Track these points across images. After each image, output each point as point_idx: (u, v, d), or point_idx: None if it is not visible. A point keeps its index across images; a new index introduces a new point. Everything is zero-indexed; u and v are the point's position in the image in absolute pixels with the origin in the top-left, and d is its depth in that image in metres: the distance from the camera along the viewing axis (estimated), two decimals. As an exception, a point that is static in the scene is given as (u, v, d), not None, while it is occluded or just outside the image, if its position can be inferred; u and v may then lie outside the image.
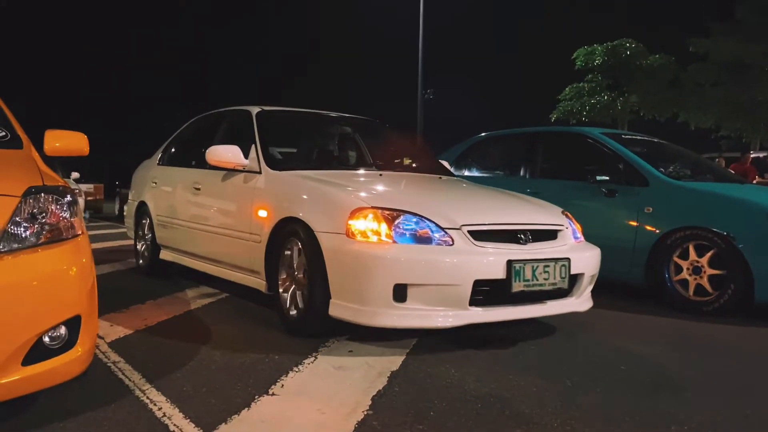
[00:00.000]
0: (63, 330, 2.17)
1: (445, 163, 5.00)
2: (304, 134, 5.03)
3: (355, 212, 3.10)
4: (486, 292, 3.06)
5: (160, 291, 4.71)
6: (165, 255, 5.22)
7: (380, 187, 3.73)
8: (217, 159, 3.99)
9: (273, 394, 2.52)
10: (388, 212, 3.09)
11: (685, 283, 4.52)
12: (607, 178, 4.99)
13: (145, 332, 3.52)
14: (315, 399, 2.47)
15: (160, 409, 2.34)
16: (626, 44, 20.58)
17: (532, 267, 3.14)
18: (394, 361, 2.99)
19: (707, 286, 4.44)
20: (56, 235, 2.22)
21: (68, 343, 2.18)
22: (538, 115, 22.31)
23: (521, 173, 5.80)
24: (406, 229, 3.05)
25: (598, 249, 3.68)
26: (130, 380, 2.66)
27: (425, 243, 3.02)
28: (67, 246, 2.23)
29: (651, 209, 4.68)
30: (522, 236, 3.26)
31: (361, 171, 4.36)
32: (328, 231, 3.16)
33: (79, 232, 2.33)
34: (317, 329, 3.34)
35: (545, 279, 3.18)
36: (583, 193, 5.11)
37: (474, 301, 3.02)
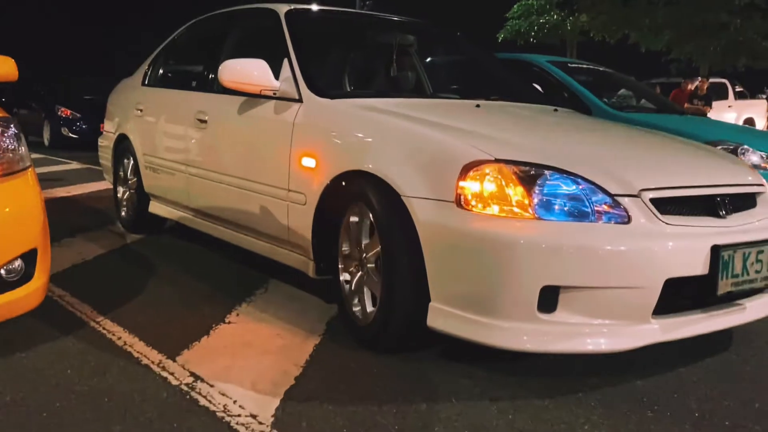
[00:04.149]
0: (19, 263, 2.38)
1: (538, 87, 4.06)
2: (354, 45, 4.02)
3: (472, 168, 2.21)
4: (673, 295, 2.20)
5: (91, 223, 4.86)
6: (156, 208, 4.36)
7: (494, 127, 2.71)
8: (234, 79, 3.03)
9: (230, 323, 2.83)
10: (523, 168, 2.20)
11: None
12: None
13: (83, 266, 3.72)
14: (272, 326, 2.79)
15: (119, 338, 2.61)
16: (578, -43, 20.85)
17: (743, 255, 2.27)
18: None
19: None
20: (7, 168, 2.39)
21: (25, 276, 2.40)
22: (485, 34, 22.49)
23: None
24: (555, 197, 2.16)
25: None
26: (81, 312, 2.90)
27: (584, 219, 2.14)
28: (20, 178, 2.41)
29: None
30: (721, 205, 2.40)
31: (449, 100, 3.48)
32: (424, 196, 2.28)
33: (29, 164, 2.51)
34: (405, 344, 2.52)
35: (757, 272, 2.33)
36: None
37: (656, 309, 2.18)
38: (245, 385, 2.21)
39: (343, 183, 2.65)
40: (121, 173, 4.73)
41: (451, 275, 2.23)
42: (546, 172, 2.20)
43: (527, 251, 2.07)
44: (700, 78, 13.98)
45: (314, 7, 3.76)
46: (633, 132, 3.17)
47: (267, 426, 1.93)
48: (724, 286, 2.24)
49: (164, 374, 2.28)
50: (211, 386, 2.19)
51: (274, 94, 3.07)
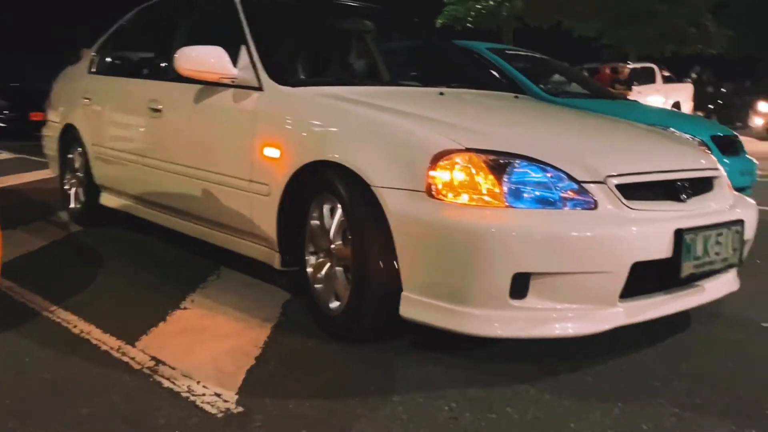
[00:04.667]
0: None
1: (496, 74, 4.18)
2: (311, 31, 3.95)
3: (442, 157, 2.24)
4: (638, 279, 2.26)
5: (31, 215, 4.78)
6: (108, 200, 4.24)
7: (460, 116, 2.78)
8: (191, 67, 3.00)
9: (185, 309, 2.89)
10: (493, 157, 2.24)
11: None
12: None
13: (28, 257, 3.69)
14: (228, 311, 2.86)
15: (75, 326, 2.64)
16: (512, -56, 21.25)
17: (704, 237, 2.37)
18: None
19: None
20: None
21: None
22: (423, 19, 22.64)
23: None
24: (524, 185, 2.21)
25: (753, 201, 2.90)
26: (33, 303, 2.91)
27: (553, 206, 2.20)
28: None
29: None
30: (682, 190, 2.49)
31: (412, 88, 3.47)
32: (395, 186, 2.30)
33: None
34: (377, 334, 2.53)
35: (717, 254, 2.43)
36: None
37: (622, 293, 2.26)
38: (207, 366, 2.28)
39: (309, 173, 2.63)
40: (69, 164, 4.59)
41: (424, 264, 2.25)
42: (515, 160, 2.24)
43: (499, 239, 2.10)
44: (621, 63, 14.55)
45: None
46: (595, 119, 3.24)
47: (232, 403, 2.02)
48: (687, 269, 2.32)
49: (125, 359, 2.33)
50: (173, 369, 2.25)
51: (233, 82, 3.02)
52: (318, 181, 2.61)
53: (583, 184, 2.24)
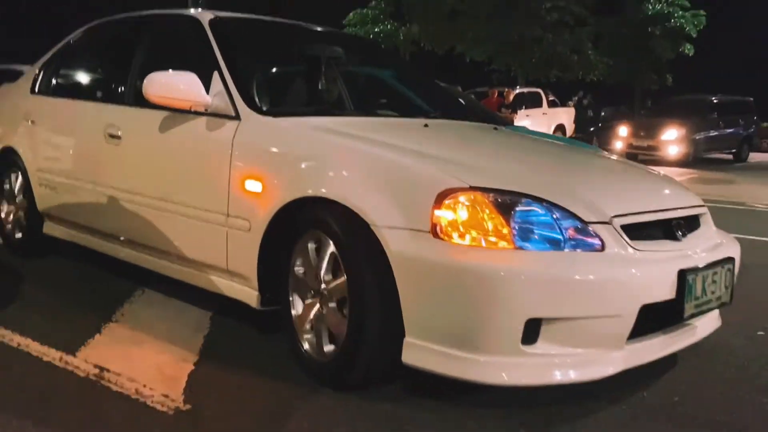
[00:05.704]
0: None
1: (462, 101, 4.26)
2: (284, 58, 3.80)
3: (447, 196, 2.15)
4: (643, 321, 2.21)
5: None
6: (53, 229, 3.98)
7: (455, 151, 2.67)
8: (161, 94, 2.83)
9: (117, 321, 3.05)
10: (499, 196, 2.17)
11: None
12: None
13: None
14: (159, 322, 3.05)
15: (11, 340, 2.76)
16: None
17: (703, 277, 2.35)
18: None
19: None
20: None
21: None
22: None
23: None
24: (531, 225, 2.15)
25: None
26: (-39, 320, 2.98)
27: (560, 247, 2.13)
28: None
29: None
30: (677, 228, 2.47)
31: (395, 119, 3.37)
32: (397, 226, 2.19)
33: None
34: (371, 381, 2.38)
35: (713, 293, 2.41)
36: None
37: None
38: (150, 371, 2.49)
39: (296, 209, 2.50)
40: (6, 191, 4.29)
41: (429, 309, 2.14)
42: (522, 199, 2.17)
43: (512, 283, 2.03)
44: (507, 88, 15.59)
45: (239, 16, 3.59)
46: (583, 154, 3.21)
47: (180, 402, 2.24)
48: (689, 309, 2.30)
49: (69, 368, 2.50)
50: (119, 375, 2.45)
51: (206, 110, 2.89)
52: (307, 218, 2.49)
53: (590, 225, 2.19)
